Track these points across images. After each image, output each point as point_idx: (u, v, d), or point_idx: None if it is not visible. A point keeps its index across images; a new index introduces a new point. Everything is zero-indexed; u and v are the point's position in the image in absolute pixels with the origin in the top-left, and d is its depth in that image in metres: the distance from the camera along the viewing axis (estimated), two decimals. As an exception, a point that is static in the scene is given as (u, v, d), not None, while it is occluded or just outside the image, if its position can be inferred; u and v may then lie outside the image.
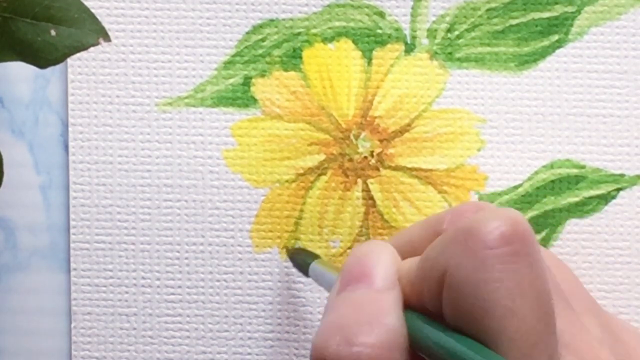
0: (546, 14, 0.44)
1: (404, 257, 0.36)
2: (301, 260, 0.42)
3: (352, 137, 0.44)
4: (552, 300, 0.32)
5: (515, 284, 0.31)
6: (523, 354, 0.31)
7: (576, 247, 0.44)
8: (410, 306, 0.34)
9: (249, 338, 0.44)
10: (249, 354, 0.44)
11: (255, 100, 0.44)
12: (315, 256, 0.42)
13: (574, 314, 0.35)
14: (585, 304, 0.37)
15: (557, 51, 0.44)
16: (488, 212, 0.32)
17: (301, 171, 0.44)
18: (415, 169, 0.44)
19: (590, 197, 0.44)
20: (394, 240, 0.38)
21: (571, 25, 0.44)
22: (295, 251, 0.43)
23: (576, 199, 0.44)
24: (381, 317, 0.33)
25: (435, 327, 0.32)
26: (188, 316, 0.44)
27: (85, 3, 0.38)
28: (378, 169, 0.44)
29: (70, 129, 0.44)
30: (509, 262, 0.31)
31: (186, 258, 0.44)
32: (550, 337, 0.31)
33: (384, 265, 0.35)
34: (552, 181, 0.44)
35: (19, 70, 0.44)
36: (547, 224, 0.44)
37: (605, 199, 0.44)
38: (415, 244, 0.37)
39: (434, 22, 0.44)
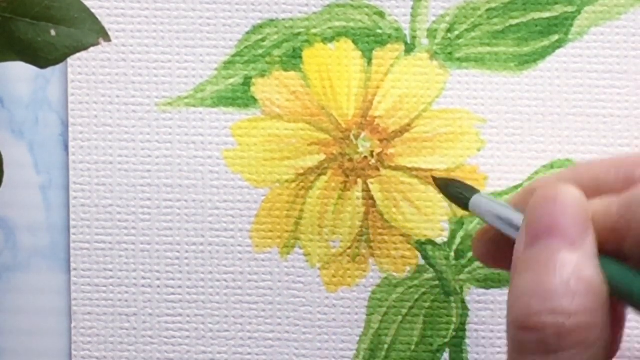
0: (546, 14, 0.44)
1: (588, 195, 0.35)
2: (457, 192, 0.41)
3: (352, 137, 0.44)
4: None
5: None
6: None
7: (576, 247, 0.44)
8: (604, 250, 0.34)
9: (249, 338, 0.44)
10: (249, 354, 0.44)
11: (255, 100, 0.44)
12: (473, 189, 0.41)
13: None
14: None
15: (557, 51, 0.44)
16: None
17: (301, 171, 0.44)
18: (415, 169, 0.44)
19: (590, 197, 0.44)
20: (573, 174, 0.37)
21: (571, 25, 0.44)
22: (448, 182, 0.42)
23: (576, 199, 0.44)
24: (580, 273, 0.33)
25: (637, 275, 0.32)
26: (188, 316, 0.44)
27: (85, 3, 0.38)
28: (378, 169, 0.44)
29: (70, 129, 0.44)
30: None
31: (186, 258, 0.44)
32: None
33: (574, 212, 0.34)
34: (552, 181, 0.44)
35: (19, 70, 0.44)
36: (547, 224, 0.44)
37: (605, 199, 0.44)
38: (602, 183, 0.36)
39: (434, 22, 0.44)
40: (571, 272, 0.33)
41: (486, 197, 0.39)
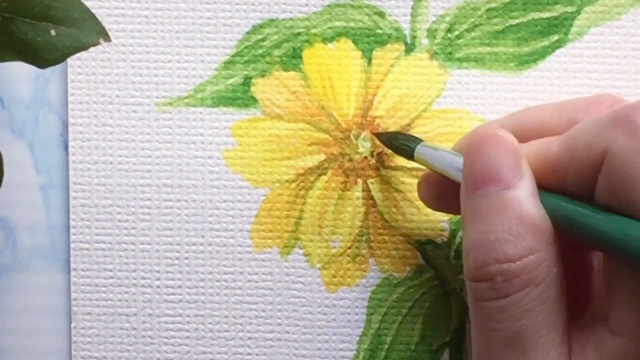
0: (546, 14, 0.44)
1: (529, 137, 0.36)
2: (400, 143, 0.42)
3: (352, 137, 0.44)
4: None
5: None
6: None
7: (576, 247, 0.44)
8: (546, 188, 0.34)
9: (249, 338, 0.44)
10: (249, 354, 0.44)
11: (255, 100, 0.44)
12: (416, 139, 0.41)
13: None
14: None
15: (557, 51, 0.44)
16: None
17: (301, 171, 0.44)
18: (415, 169, 0.44)
19: (590, 197, 0.44)
20: (517, 118, 0.38)
21: (571, 25, 0.44)
22: (389, 135, 0.43)
23: (576, 199, 0.44)
24: (520, 213, 0.34)
25: (586, 207, 0.33)
26: (188, 316, 0.44)
27: (85, 3, 0.38)
28: (378, 169, 0.44)
29: (70, 129, 0.44)
30: None
31: (186, 258, 0.44)
32: None
33: (505, 154, 0.35)
34: (552, 181, 0.44)
35: (19, 70, 0.44)
36: (547, 224, 0.44)
37: (605, 199, 0.44)
38: (546, 126, 0.37)
39: (434, 22, 0.44)
40: (511, 216, 0.34)
41: (430, 145, 0.40)
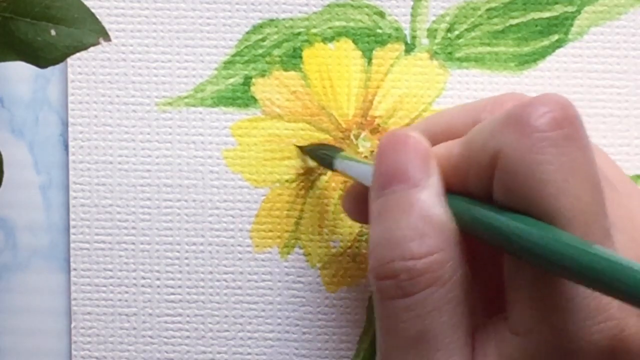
0: (546, 14, 0.44)
1: (441, 138, 0.36)
2: (322, 154, 0.42)
3: (352, 137, 0.44)
4: (600, 181, 0.33)
5: (569, 165, 0.32)
6: (580, 232, 0.31)
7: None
8: (452, 190, 0.34)
9: (249, 338, 0.44)
10: (249, 354, 0.44)
11: (255, 100, 0.44)
12: (337, 149, 0.42)
13: (619, 195, 0.35)
14: (628, 187, 0.38)
15: (557, 51, 0.44)
16: (537, 98, 0.33)
17: (301, 171, 0.44)
18: (416, 169, 0.44)
19: (590, 197, 0.44)
20: (425, 123, 0.38)
21: (571, 25, 0.44)
22: (312, 147, 0.43)
23: (576, 199, 0.44)
24: (427, 213, 0.34)
25: (485, 207, 0.33)
26: (188, 316, 0.44)
27: (85, 3, 0.38)
28: (378, 169, 0.44)
29: (70, 128, 0.44)
30: (561, 145, 0.32)
31: (186, 258, 0.44)
32: (603, 216, 0.32)
33: (414, 154, 0.35)
34: (552, 181, 0.44)
35: (19, 70, 0.44)
36: (547, 223, 0.44)
37: (605, 198, 0.44)
38: (454, 129, 0.37)
39: (434, 21, 0.44)
40: (417, 215, 0.34)
41: (348, 156, 0.40)
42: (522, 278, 0.33)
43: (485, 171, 0.33)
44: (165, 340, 0.44)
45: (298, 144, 0.43)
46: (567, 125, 0.32)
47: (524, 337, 0.33)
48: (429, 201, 0.34)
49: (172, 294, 0.44)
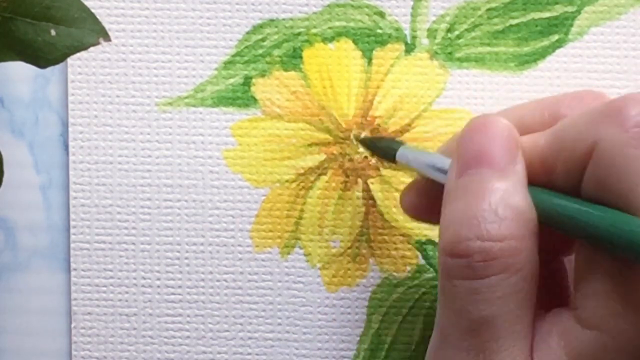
0: (546, 14, 0.44)
1: None
2: (384, 146, 0.41)
3: (352, 137, 0.44)
4: None
5: None
6: None
7: (576, 247, 0.44)
8: (535, 182, 0.34)
9: (249, 338, 0.44)
10: (249, 354, 0.44)
11: (255, 100, 0.44)
12: (399, 142, 0.41)
13: None
14: None
15: (557, 51, 0.44)
16: (633, 95, 0.33)
17: (301, 171, 0.44)
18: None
19: (591, 197, 0.44)
20: (502, 115, 0.38)
21: (571, 25, 0.44)
22: (372, 139, 0.43)
23: (576, 199, 0.44)
24: (508, 200, 0.34)
25: (570, 200, 0.33)
26: (188, 316, 0.44)
27: (85, 3, 0.38)
28: (378, 169, 0.44)
29: (70, 129, 0.44)
30: None
31: (186, 258, 0.44)
32: None
33: (503, 140, 0.35)
34: (552, 181, 0.44)
35: (19, 70, 0.44)
36: (547, 223, 0.44)
37: (606, 198, 0.44)
38: (528, 124, 0.37)
39: (434, 22, 0.44)
40: (499, 199, 0.34)
41: (412, 148, 0.40)
42: (600, 271, 0.33)
43: (577, 163, 0.33)
44: (165, 340, 0.44)
45: (359, 138, 0.43)
46: None
47: (599, 332, 0.33)
48: (512, 189, 0.34)
49: (172, 294, 0.44)
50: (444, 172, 0.37)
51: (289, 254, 0.44)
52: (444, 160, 0.37)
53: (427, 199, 0.39)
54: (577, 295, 0.34)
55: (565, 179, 0.34)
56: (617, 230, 0.32)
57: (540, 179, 0.35)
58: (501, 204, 0.34)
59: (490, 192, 0.34)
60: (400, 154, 0.40)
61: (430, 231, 0.44)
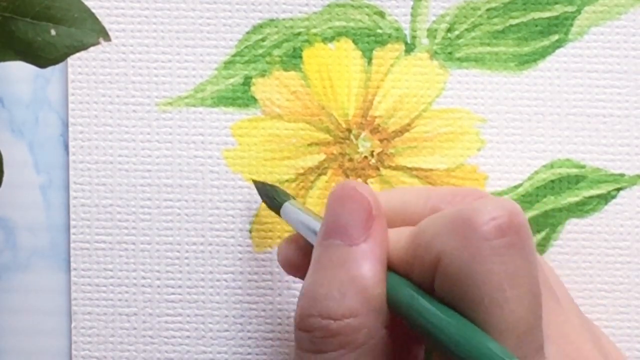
0: (546, 14, 0.44)
1: (394, 217, 0.36)
2: (270, 195, 0.41)
3: (352, 137, 0.44)
4: (541, 291, 0.32)
5: (508, 276, 0.31)
6: (511, 343, 0.31)
7: (576, 247, 0.44)
8: (396, 271, 0.34)
9: (249, 338, 0.44)
10: (249, 354, 0.44)
11: (255, 100, 0.44)
12: (287, 195, 0.41)
13: (559, 306, 0.35)
14: (568, 301, 0.38)
15: (557, 51, 0.44)
16: (486, 202, 0.32)
17: (301, 171, 0.44)
18: (416, 169, 0.44)
19: (590, 197, 0.44)
20: (385, 196, 0.38)
21: (571, 25, 0.44)
22: (263, 184, 0.43)
23: (576, 199, 0.44)
24: (353, 273, 0.33)
25: (423, 296, 0.33)
26: (188, 316, 0.44)
27: (85, 3, 0.38)
28: (378, 169, 0.44)
29: (70, 128, 0.44)
30: (503, 253, 0.32)
31: (186, 258, 0.44)
32: (538, 329, 0.32)
33: (360, 213, 0.35)
34: (552, 181, 0.44)
35: (19, 70, 0.44)
36: (547, 223, 0.44)
37: (605, 198, 0.44)
38: (409, 210, 0.37)
39: (434, 22, 0.44)
40: (345, 273, 0.34)
41: (297, 205, 0.40)
42: None
43: (429, 268, 0.33)
44: (165, 340, 0.44)
45: (252, 178, 0.43)
46: (512, 233, 0.32)
47: None
48: (360, 262, 0.34)
49: (172, 293, 0.44)
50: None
51: (289, 254, 0.44)
52: (318, 225, 0.37)
53: (303, 257, 0.39)
54: None
55: (420, 279, 0.34)
56: (461, 340, 0.31)
57: (401, 271, 0.34)
58: (346, 279, 0.33)
59: (338, 266, 0.34)
60: (284, 208, 0.40)
61: (430, 231, 0.44)
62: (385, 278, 0.34)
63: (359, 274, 0.33)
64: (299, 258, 0.39)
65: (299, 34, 0.44)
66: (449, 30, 0.44)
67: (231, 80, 0.44)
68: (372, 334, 0.33)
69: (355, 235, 0.34)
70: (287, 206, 0.40)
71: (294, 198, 0.41)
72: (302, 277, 0.38)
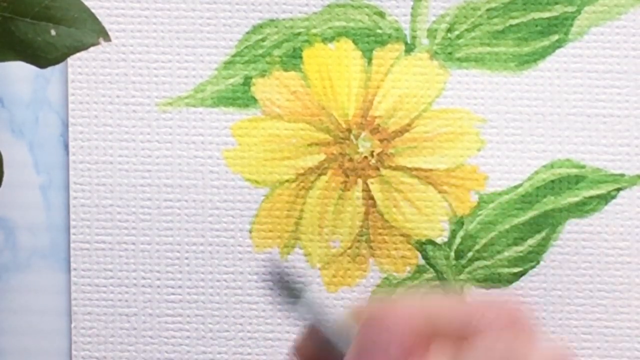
0: (546, 14, 0.44)
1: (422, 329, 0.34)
2: (288, 286, 0.40)
3: (352, 137, 0.44)
4: None
5: None
6: None
7: (576, 247, 0.44)
8: None
9: (249, 338, 0.44)
10: (249, 354, 0.44)
11: (255, 100, 0.44)
12: (304, 288, 0.40)
13: None
14: None
15: (557, 51, 0.44)
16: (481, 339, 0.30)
17: (301, 171, 0.44)
18: (416, 169, 0.44)
19: (590, 197, 0.44)
20: (416, 303, 0.36)
21: (571, 25, 0.44)
22: (280, 272, 0.41)
23: (576, 199, 0.44)
24: None
25: None
26: (188, 316, 0.44)
27: (85, 3, 0.38)
28: (378, 169, 0.44)
29: (70, 129, 0.44)
30: None
31: (186, 258, 0.44)
32: None
33: (404, 336, 0.32)
34: (552, 181, 0.44)
35: (19, 70, 0.44)
36: (547, 224, 0.44)
37: (605, 198, 0.44)
38: (439, 323, 0.34)
39: (434, 22, 0.44)
40: None
41: (314, 304, 0.38)
42: None
43: None
44: (165, 340, 0.44)
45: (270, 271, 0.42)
46: None
47: None
48: None
49: (172, 294, 0.44)
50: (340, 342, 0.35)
51: (288, 254, 0.44)
52: (340, 338, 0.35)
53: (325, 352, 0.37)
54: None
55: None
56: None
57: None
58: None
59: None
60: (302, 305, 0.38)
61: (430, 231, 0.44)
62: None
63: None
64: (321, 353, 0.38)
65: (299, 34, 0.44)
66: (449, 30, 0.44)
67: (231, 81, 0.44)
68: None
69: None
70: (306, 302, 0.38)
71: (309, 290, 0.40)
72: None
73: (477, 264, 0.44)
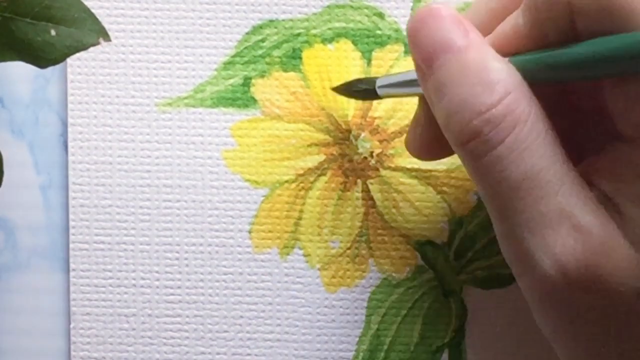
0: (545, 15, 0.44)
1: (488, 27, 0.36)
2: (361, 89, 0.41)
3: (351, 137, 0.44)
4: None
5: None
6: None
7: (575, 248, 0.44)
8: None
9: (249, 338, 0.44)
10: (249, 354, 0.44)
11: (255, 101, 0.44)
12: (371, 79, 0.41)
13: None
14: None
15: (557, 52, 0.44)
16: None
17: (301, 172, 0.44)
18: (415, 170, 0.44)
19: (590, 198, 0.44)
20: (468, 13, 0.38)
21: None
22: (349, 84, 0.42)
23: (575, 200, 0.44)
24: (483, 66, 0.34)
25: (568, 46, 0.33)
26: (187, 317, 0.44)
27: (85, 3, 0.38)
28: (378, 170, 0.44)
29: (70, 129, 0.44)
30: None
31: (186, 258, 0.44)
32: None
33: (447, 22, 0.35)
34: (552, 182, 0.44)
35: (19, 70, 0.44)
36: (547, 224, 0.44)
37: (605, 199, 0.44)
38: (498, 13, 0.37)
39: (433, 23, 0.44)
40: (474, 72, 0.34)
41: (387, 75, 0.40)
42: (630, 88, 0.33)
43: (564, 21, 0.33)
44: (164, 341, 0.44)
45: (333, 87, 0.43)
46: None
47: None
48: (478, 57, 0.34)
49: (172, 294, 0.44)
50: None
51: (288, 254, 0.44)
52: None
53: (434, 137, 0.39)
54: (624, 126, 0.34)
55: (559, 32, 0.34)
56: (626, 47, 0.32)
57: (531, 47, 0.35)
58: (478, 75, 0.34)
59: (464, 72, 0.34)
60: (379, 88, 0.40)
61: (429, 232, 0.44)
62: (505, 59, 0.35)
63: (488, 65, 0.34)
64: (431, 140, 0.40)
65: (298, 34, 0.44)
66: (448, 31, 0.44)
67: (231, 81, 0.44)
68: (531, 102, 0.34)
69: (459, 40, 0.35)
70: (381, 83, 0.40)
71: (376, 77, 0.41)
72: (435, 156, 0.40)
73: (476, 264, 0.44)
